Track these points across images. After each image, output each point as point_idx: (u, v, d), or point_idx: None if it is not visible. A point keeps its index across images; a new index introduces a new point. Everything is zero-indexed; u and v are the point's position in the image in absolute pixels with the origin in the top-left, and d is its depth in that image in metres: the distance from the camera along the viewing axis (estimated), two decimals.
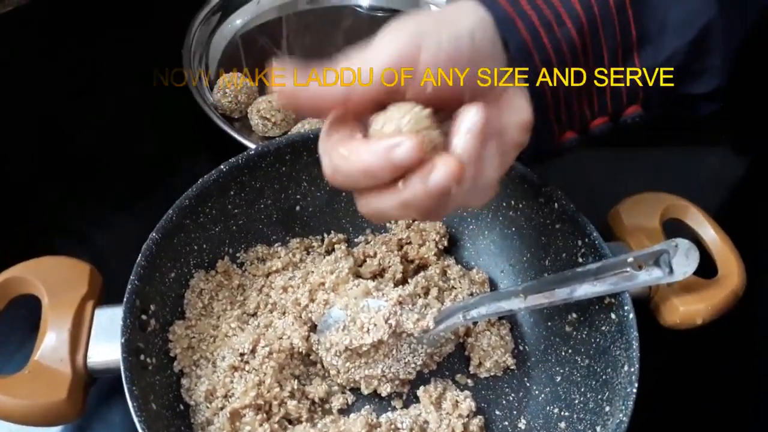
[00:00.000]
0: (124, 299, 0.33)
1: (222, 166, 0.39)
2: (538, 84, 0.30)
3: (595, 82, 0.31)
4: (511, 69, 0.29)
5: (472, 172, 0.26)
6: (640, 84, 0.31)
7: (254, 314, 0.39)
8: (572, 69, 0.30)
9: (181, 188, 0.38)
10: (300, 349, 0.36)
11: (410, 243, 0.43)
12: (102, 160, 0.52)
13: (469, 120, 0.26)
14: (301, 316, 0.38)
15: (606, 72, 0.30)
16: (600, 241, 0.37)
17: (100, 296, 0.35)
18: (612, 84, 0.31)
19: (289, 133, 0.52)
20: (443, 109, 0.27)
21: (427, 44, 0.26)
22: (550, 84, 0.30)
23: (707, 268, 0.37)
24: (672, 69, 0.30)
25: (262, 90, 0.54)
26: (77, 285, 0.34)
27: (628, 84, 0.31)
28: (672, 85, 0.31)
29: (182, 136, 0.55)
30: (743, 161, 0.56)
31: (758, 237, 0.44)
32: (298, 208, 0.44)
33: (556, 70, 0.29)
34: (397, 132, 0.26)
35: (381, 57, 0.26)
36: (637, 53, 0.30)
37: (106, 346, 0.33)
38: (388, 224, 0.45)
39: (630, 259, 0.35)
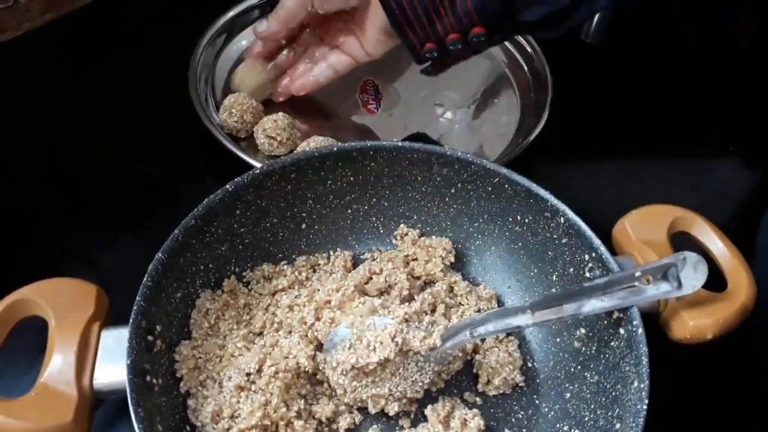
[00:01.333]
0: (130, 320, 0.33)
1: (228, 186, 0.39)
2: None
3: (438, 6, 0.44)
4: None
5: None
6: (470, 8, 0.43)
7: (260, 333, 0.39)
8: None
9: (187, 208, 0.38)
10: (306, 368, 0.36)
11: (416, 259, 0.43)
12: (108, 181, 0.53)
13: None
14: (307, 335, 0.38)
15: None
16: (607, 255, 0.37)
17: (106, 317, 0.35)
18: (448, 5, 0.44)
19: (295, 151, 0.52)
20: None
21: None
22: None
23: (716, 281, 0.37)
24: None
25: (268, 109, 0.55)
26: (84, 306, 0.34)
27: (461, 8, 0.44)
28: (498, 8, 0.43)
29: (188, 157, 0.55)
30: (752, 173, 0.55)
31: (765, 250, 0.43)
32: (303, 225, 0.44)
33: None
34: None
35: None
36: None
37: (112, 368, 0.33)
38: (394, 240, 0.45)
39: (638, 273, 0.35)
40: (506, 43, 0.64)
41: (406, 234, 0.44)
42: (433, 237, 0.44)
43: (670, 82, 0.63)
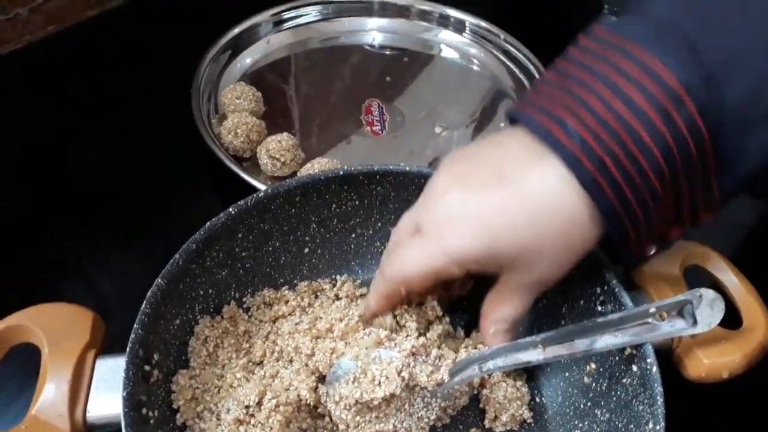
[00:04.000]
0: (127, 349, 0.32)
1: (230, 209, 0.38)
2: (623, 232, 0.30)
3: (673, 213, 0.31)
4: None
5: None
6: (717, 204, 0.31)
7: (260, 363, 0.38)
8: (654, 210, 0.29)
9: (187, 229, 0.37)
10: (308, 401, 0.35)
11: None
12: (108, 201, 0.51)
13: None
14: (308, 365, 0.37)
15: (684, 200, 0.30)
16: (620, 290, 0.36)
17: (102, 344, 0.34)
18: (688, 211, 0.31)
19: (299, 173, 0.51)
20: None
21: (502, 238, 0.30)
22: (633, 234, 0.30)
23: (731, 317, 0.36)
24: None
25: (271, 129, 0.54)
26: (79, 333, 0.33)
27: (706, 209, 0.31)
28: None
29: (189, 176, 0.54)
30: (762, 206, 0.55)
31: None
32: (306, 250, 0.43)
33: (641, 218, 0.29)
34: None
35: (461, 260, 0.31)
36: (714, 179, 0.29)
37: (106, 398, 0.32)
38: None
39: (652, 310, 0.34)
40: (506, 60, 0.64)
41: None
42: None
43: None
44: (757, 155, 0.28)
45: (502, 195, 0.29)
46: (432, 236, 0.31)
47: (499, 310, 0.34)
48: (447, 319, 0.40)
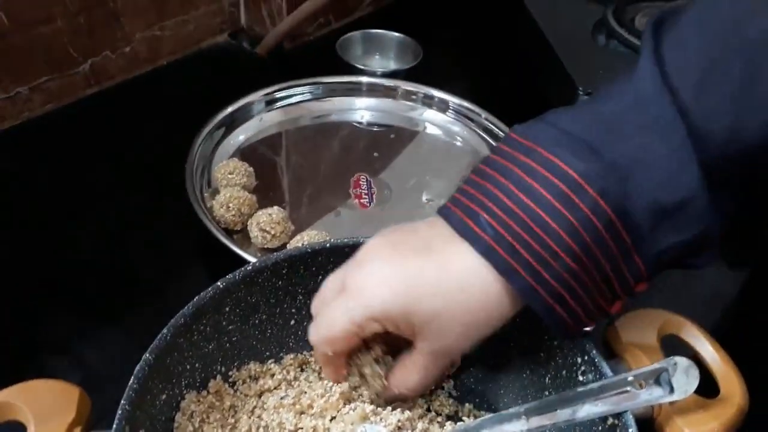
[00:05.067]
0: (114, 426, 0.32)
1: (219, 283, 0.39)
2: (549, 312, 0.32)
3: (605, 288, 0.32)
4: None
5: None
6: (644, 273, 0.32)
7: None
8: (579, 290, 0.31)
9: (175, 302, 0.37)
10: None
11: None
12: (96, 275, 0.52)
13: None
14: None
15: (611, 278, 0.32)
16: (600, 359, 0.37)
17: (88, 421, 0.34)
18: (618, 284, 0.32)
19: (288, 245, 0.52)
20: None
21: (420, 304, 0.32)
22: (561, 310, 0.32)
23: (708, 386, 0.37)
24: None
25: (262, 202, 0.56)
26: (65, 410, 0.33)
27: (631, 278, 0.32)
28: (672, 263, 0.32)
29: (180, 248, 0.55)
30: (736, 276, 0.56)
31: (756, 355, 0.43)
32: (293, 322, 0.43)
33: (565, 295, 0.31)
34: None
35: (378, 315, 0.32)
36: (635, 253, 0.31)
37: None
38: None
39: (630, 378, 0.35)
40: (487, 137, 0.67)
41: None
42: None
43: None
44: (672, 231, 0.31)
45: (426, 263, 0.32)
46: (354, 292, 0.33)
47: (408, 377, 0.36)
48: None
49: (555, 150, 0.30)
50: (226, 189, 0.55)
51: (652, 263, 0.32)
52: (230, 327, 0.41)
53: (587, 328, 0.34)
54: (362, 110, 0.70)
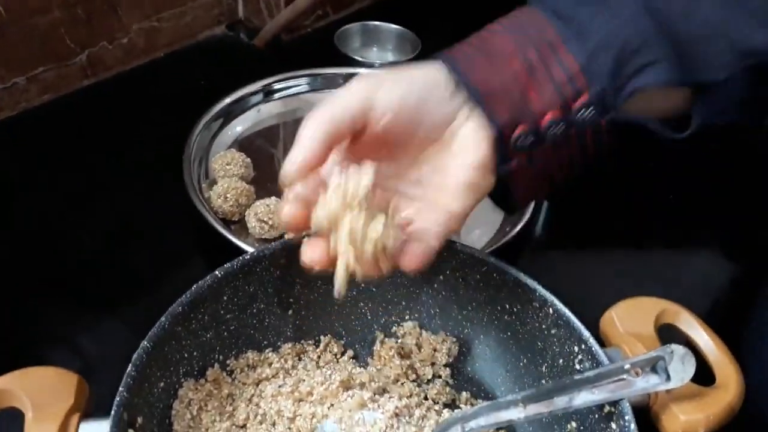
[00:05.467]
0: (112, 413, 0.32)
1: (217, 272, 0.39)
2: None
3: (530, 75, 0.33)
4: (453, 109, 0.33)
5: None
6: (575, 68, 0.32)
7: (243, 426, 0.38)
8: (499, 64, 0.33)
9: (174, 292, 0.38)
10: None
11: (422, 360, 0.42)
12: (95, 264, 0.52)
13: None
14: (291, 429, 0.37)
15: (535, 65, 0.32)
16: (596, 348, 0.37)
17: (86, 407, 0.34)
18: (545, 74, 0.32)
19: (285, 235, 0.52)
20: (398, 152, 0.34)
21: (383, 89, 0.32)
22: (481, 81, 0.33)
23: (704, 374, 0.37)
24: (605, 58, 0.32)
25: (260, 193, 0.56)
26: (63, 397, 0.33)
27: (563, 73, 0.32)
28: (609, 68, 0.32)
29: (178, 239, 0.55)
30: (733, 265, 0.57)
31: (749, 342, 0.44)
32: (290, 311, 0.43)
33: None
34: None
35: (345, 107, 0.32)
36: (563, 48, 0.32)
37: None
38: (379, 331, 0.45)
39: (627, 366, 0.35)
40: None
41: (408, 333, 0.44)
42: (437, 335, 0.44)
43: (655, 177, 0.65)
44: (602, 24, 0.32)
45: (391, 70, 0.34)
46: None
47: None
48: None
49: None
50: (224, 180, 0.55)
51: (584, 60, 0.32)
52: (228, 316, 0.41)
53: (518, 134, 0.33)
54: None
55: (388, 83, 0.33)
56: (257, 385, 0.40)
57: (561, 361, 0.39)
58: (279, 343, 0.43)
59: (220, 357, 0.41)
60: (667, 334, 0.39)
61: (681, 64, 0.32)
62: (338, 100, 0.32)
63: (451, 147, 0.33)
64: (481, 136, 0.32)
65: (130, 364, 0.34)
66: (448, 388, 0.42)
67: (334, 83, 0.70)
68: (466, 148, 0.33)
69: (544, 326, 0.40)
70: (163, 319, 0.36)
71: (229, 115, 0.64)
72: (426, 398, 0.41)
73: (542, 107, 0.33)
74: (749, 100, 0.34)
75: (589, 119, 0.33)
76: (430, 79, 0.33)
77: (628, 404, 0.34)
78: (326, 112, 0.32)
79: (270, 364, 0.41)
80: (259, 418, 0.38)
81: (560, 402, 0.35)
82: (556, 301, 0.39)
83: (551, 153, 0.35)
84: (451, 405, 0.41)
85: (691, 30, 0.33)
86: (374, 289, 0.44)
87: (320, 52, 0.73)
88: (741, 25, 0.33)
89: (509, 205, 0.38)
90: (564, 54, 0.32)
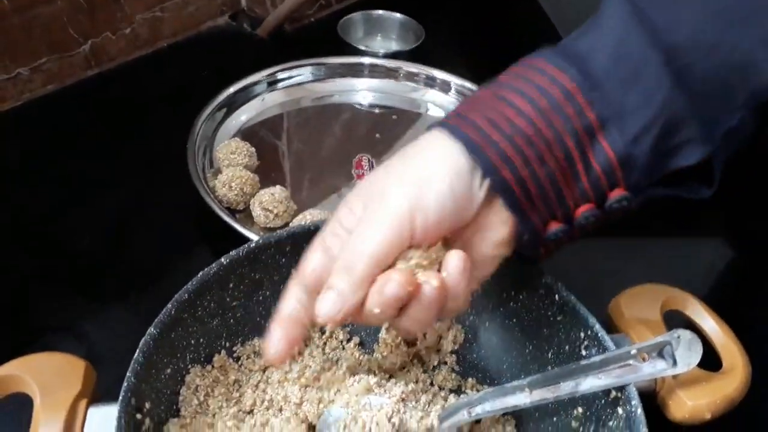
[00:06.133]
0: (120, 398, 0.32)
1: (222, 259, 0.39)
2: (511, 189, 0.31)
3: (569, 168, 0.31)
4: (484, 198, 0.31)
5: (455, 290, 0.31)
6: (614, 161, 0.31)
7: (250, 411, 0.38)
8: (535, 160, 0.30)
9: (180, 281, 0.38)
10: None
11: (428, 348, 0.42)
12: (101, 253, 0.52)
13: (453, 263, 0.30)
14: (297, 414, 0.37)
15: (574, 156, 0.31)
16: (603, 334, 0.37)
17: (94, 393, 0.34)
18: (582, 168, 0.31)
19: (291, 224, 0.52)
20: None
21: (418, 218, 0.30)
22: (518, 184, 0.31)
23: (711, 360, 0.37)
24: (644, 146, 0.31)
25: (264, 183, 0.56)
26: (71, 383, 0.33)
27: (599, 166, 0.31)
28: (648, 158, 0.31)
29: (183, 228, 0.55)
30: (737, 252, 0.56)
31: (755, 328, 0.44)
32: None
33: (522, 166, 0.30)
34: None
35: (380, 252, 0.30)
36: (601, 135, 0.31)
37: None
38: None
39: (633, 351, 0.35)
40: None
41: None
42: (443, 322, 0.44)
43: None
44: (638, 110, 0.31)
45: (403, 175, 0.31)
46: (375, 204, 0.31)
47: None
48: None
49: (554, 59, 0.31)
50: (229, 169, 0.55)
51: (622, 152, 0.31)
52: (234, 303, 0.41)
53: (552, 231, 0.32)
54: (364, 91, 0.70)
55: (420, 206, 0.30)
56: (264, 371, 0.40)
57: (567, 347, 0.39)
58: None
59: (227, 344, 0.41)
60: (674, 320, 0.39)
61: (706, 132, 0.32)
62: (378, 233, 0.30)
63: (475, 222, 0.32)
64: (507, 215, 0.31)
65: (138, 350, 0.34)
66: (453, 375, 0.42)
67: (337, 73, 0.70)
68: (491, 226, 0.32)
69: (549, 313, 0.39)
70: (169, 306, 0.36)
71: (233, 104, 0.64)
72: (432, 384, 0.41)
73: (576, 202, 0.32)
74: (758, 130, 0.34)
75: (623, 208, 0.32)
76: (458, 172, 0.30)
77: (634, 389, 0.34)
78: (370, 250, 0.30)
79: None
80: (266, 403, 0.38)
81: (566, 387, 0.35)
82: (562, 288, 0.39)
83: (579, 233, 0.34)
84: (457, 391, 0.42)
85: (716, 85, 0.32)
86: None
87: (323, 42, 0.73)
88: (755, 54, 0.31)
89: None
90: (602, 142, 0.31)
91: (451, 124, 0.31)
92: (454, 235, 0.32)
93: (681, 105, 0.31)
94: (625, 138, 0.31)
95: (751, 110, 0.32)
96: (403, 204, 0.30)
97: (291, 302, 0.32)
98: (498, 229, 0.32)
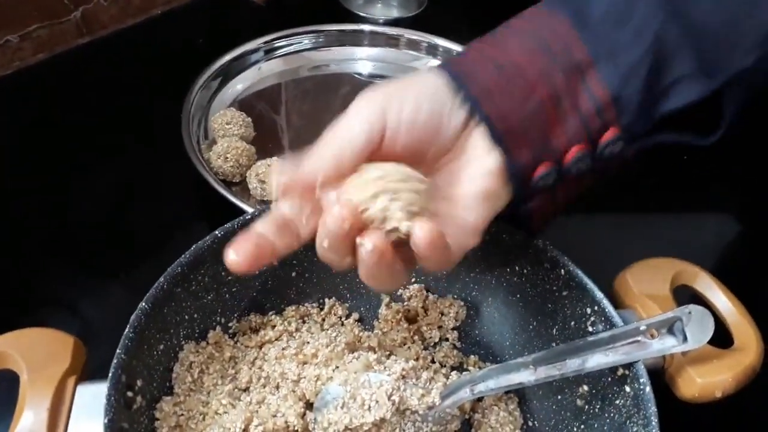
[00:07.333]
0: (110, 375, 0.31)
1: (217, 232, 0.38)
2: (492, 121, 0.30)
3: (556, 106, 0.30)
4: (463, 120, 0.30)
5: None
6: (605, 98, 0.30)
7: (246, 389, 0.37)
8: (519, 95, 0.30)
9: (175, 254, 0.36)
10: (296, 428, 0.34)
11: (429, 324, 0.41)
12: (95, 226, 0.51)
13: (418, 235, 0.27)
14: (295, 392, 0.36)
15: (560, 94, 0.30)
16: (610, 309, 0.35)
17: (83, 370, 0.33)
18: (570, 105, 0.30)
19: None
20: (413, 164, 0.30)
21: (392, 108, 0.29)
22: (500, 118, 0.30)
23: (722, 337, 0.36)
24: (636, 83, 0.30)
25: (261, 154, 0.54)
26: (59, 359, 0.32)
27: (590, 103, 0.30)
28: (640, 96, 0.30)
29: (178, 201, 0.54)
30: (746, 227, 0.55)
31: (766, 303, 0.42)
32: (294, 273, 0.42)
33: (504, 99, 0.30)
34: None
35: (357, 133, 0.29)
36: (592, 72, 0.30)
37: (87, 426, 0.31)
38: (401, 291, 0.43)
39: (642, 327, 0.34)
40: None
41: (415, 296, 0.43)
42: (445, 297, 0.43)
43: None
44: (630, 47, 0.30)
45: (393, 83, 0.31)
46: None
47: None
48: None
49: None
50: (224, 139, 0.53)
51: (614, 88, 0.29)
52: (230, 278, 0.39)
53: (540, 175, 0.30)
54: (364, 60, 0.68)
55: (396, 101, 0.30)
56: (260, 347, 0.39)
57: (572, 323, 0.38)
58: (282, 306, 0.42)
59: (222, 319, 0.40)
60: (683, 295, 0.38)
61: (706, 71, 0.30)
62: (347, 127, 0.30)
63: (462, 156, 0.31)
64: (489, 146, 0.30)
65: (128, 326, 0.33)
66: (455, 352, 0.41)
67: (336, 41, 0.67)
68: (477, 156, 0.30)
69: (554, 288, 0.38)
70: (161, 279, 0.35)
71: (229, 73, 0.62)
72: (433, 361, 0.40)
73: (566, 142, 0.30)
74: None
75: (617, 152, 0.31)
76: (438, 89, 0.30)
77: (643, 366, 0.33)
78: (335, 143, 0.30)
79: (273, 327, 0.40)
80: (262, 380, 0.37)
81: (572, 364, 0.33)
82: (568, 262, 0.37)
83: (573, 184, 0.32)
84: (459, 368, 0.41)
85: (716, 18, 0.30)
86: None
87: (323, 9, 0.71)
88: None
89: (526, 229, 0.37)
90: (593, 80, 0.30)
91: (443, 62, 0.32)
92: (437, 164, 0.31)
93: (674, 37, 0.30)
94: (616, 74, 0.30)
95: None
96: (378, 95, 0.30)
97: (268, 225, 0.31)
98: (482, 159, 0.30)
